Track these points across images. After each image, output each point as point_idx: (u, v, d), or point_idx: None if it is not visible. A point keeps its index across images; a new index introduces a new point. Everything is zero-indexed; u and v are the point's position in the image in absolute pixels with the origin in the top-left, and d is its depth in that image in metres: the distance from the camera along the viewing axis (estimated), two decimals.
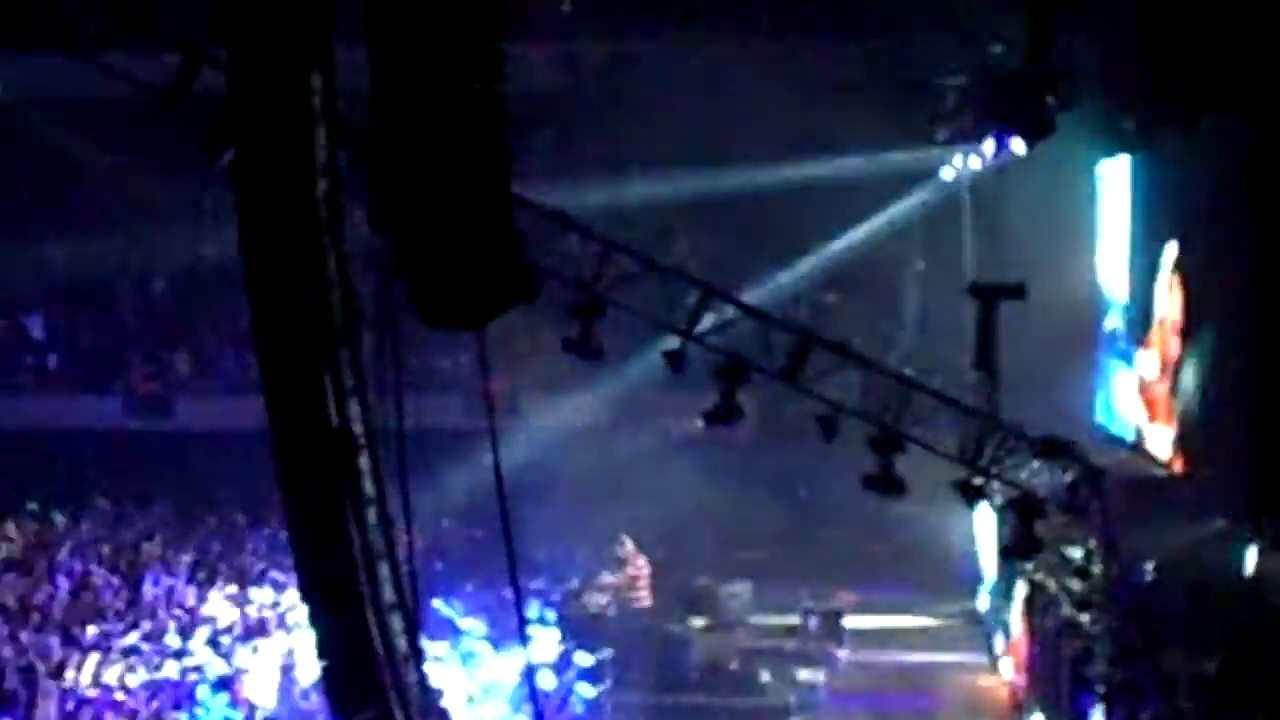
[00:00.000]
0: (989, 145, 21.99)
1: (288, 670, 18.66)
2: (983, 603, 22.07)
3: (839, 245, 24.93)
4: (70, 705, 17.28)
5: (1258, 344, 16.46)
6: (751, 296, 21.12)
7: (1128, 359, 22.70)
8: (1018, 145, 20.90)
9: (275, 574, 21.63)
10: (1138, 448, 21.58)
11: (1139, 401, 21.80)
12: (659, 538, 22.01)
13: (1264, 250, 16.54)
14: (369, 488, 14.19)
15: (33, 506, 24.04)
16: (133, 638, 19.29)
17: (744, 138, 24.24)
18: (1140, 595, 16.48)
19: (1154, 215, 20.95)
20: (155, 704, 17.54)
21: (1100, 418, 23.40)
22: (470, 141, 10.77)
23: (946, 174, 24.84)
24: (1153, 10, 17.07)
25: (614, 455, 24.26)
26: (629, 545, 21.77)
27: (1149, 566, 16.48)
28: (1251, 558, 16.22)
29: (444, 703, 16.90)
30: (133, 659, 18.63)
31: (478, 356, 13.12)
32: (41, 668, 17.79)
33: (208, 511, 24.54)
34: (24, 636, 19.24)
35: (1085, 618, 16.54)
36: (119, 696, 17.59)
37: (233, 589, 21.45)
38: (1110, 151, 22.07)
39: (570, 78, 24.97)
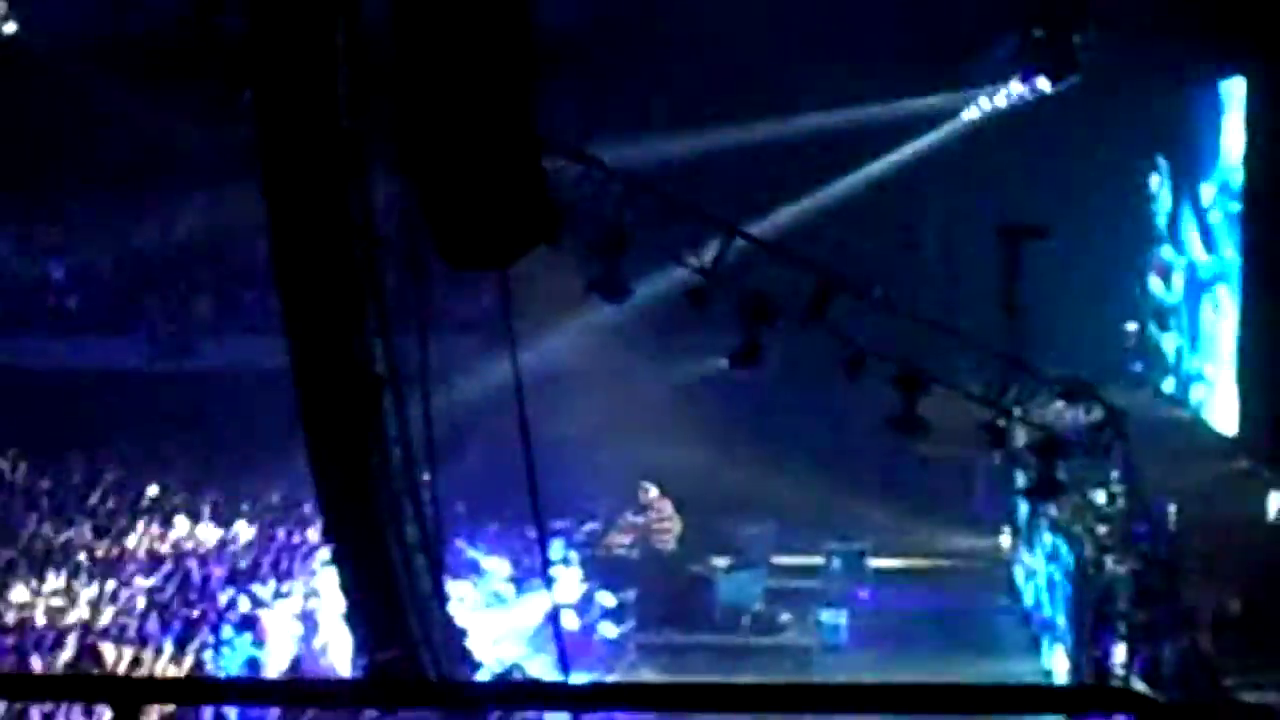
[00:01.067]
0: (1015, 85, 21.88)
1: (308, 613, 18.82)
2: (1005, 542, 22.13)
3: (859, 178, 24.83)
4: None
5: None
6: (771, 231, 21.16)
7: (1152, 300, 22.78)
8: (1043, 84, 20.83)
9: (299, 512, 21.79)
10: (1166, 394, 21.67)
11: (1172, 346, 21.83)
12: (682, 478, 22.04)
13: None
14: (392, 427, 14.31)
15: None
16: (152, 580, 19.52)
17: (767, 82, 24.14)
18: (1161, 536, 16.53)
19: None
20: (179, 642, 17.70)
21: (1130, 361, 23.43)
22: (495, 80, 10.79)
23: (969, 114, 24.72)
24: None
25: (637, 396, 24.29)
26: (653, 490, 21.84)
27: (1170, 508, 16.51)
28: (1274, 501, 16.28)
29: (468, 642, 17.06)
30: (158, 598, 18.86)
31: (500, 297, 13.16)
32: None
33: (230, 450, 24.64)
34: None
35: (1108, 559, 16.60)
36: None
37: (253, 529, 21.65)
38: (1140, 91, 21.92)
39: (596, 16, 24.87)
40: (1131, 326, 23.89)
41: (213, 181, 26.02)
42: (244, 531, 21.57)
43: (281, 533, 21.42)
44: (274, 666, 17.69)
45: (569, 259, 16.59)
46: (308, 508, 21.15)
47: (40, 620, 18.09)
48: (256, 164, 13.47)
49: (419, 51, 10.95)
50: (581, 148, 16.05)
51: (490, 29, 10.71)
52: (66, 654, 17.08)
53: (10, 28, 23.43)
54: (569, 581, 19.90)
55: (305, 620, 18.65)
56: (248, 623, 18.24)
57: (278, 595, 19.11)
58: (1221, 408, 19.61)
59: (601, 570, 20.68)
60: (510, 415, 13.92)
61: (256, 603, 18.69)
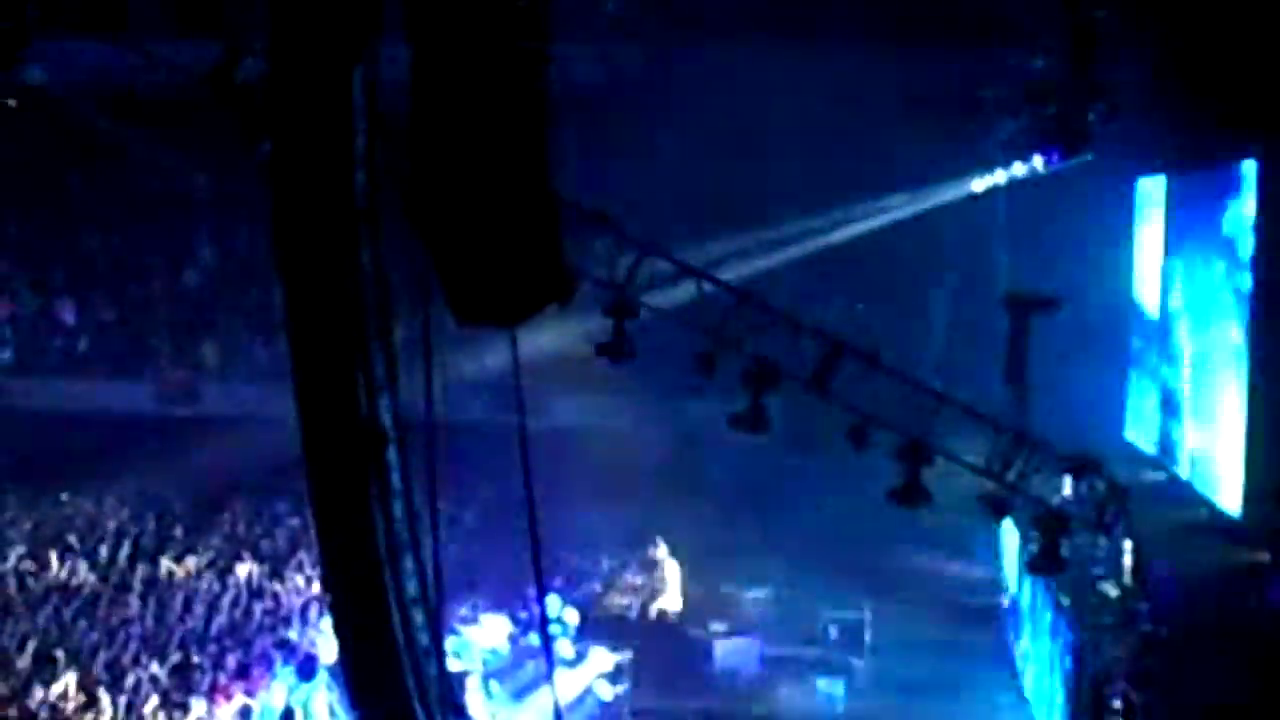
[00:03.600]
0: (1036, 160, 21.99)
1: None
2: (1004, 617, 22.05)
3: (865, 238, 24.90)
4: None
5: None
6: (777, 292, 21.16)
7: (1154, 372, 22.75)
8: (1050, 161, 20.95)
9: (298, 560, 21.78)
10: (1165, 467, 21.60)
11: (1174, 420, 21.81)
12: (682, 541, 22.02)
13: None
14: (396, 481, 14.28)
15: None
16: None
17: (776, 147, 24.28)
18: (1162, 618, 16.46)
19: (1180, 229, 21.00)
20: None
21: (1129, 432, 23.40)
22: (511, 138, 10.82)
23: (976, 186, 24.82)
24: (1193, 35, 17.11)
25: (640, 457, 24.31)
26: (662, 548, 21.79)
27: (1169, 579, 16.48)
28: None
29: (463, 698, 16.98)
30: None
31: (510, 355, 13.16)
32: None
33: (234, 497, 24.65)
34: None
35: (1107, 638, 16.52)
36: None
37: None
38: (1147, 171, 22.09)
39: (608, 77, 25.03)
40: (1138, 402, 23.89)
41: (223, 227, 26.15)
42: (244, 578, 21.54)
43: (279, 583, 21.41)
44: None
45: (576, 319, 16.61)
46: (304, 557, 21.18)
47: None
48: (267, 211, 13.51)
49: (434, 104, 11.00)
50: (594, 208, 16.10)
51: (506, 84, 10.76)
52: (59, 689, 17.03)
53: (38, 76, 23.59)
54: (566, 643, 19.84)
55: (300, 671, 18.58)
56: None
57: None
58: (1227, 488, 19.57)
59: (599, 631, 20.61)
60: (511, 471, 13.92)
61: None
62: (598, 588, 21.95)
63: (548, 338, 18.05)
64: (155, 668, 17.80)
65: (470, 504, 20.51)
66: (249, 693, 17.72)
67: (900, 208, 24.85)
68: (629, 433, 24.57)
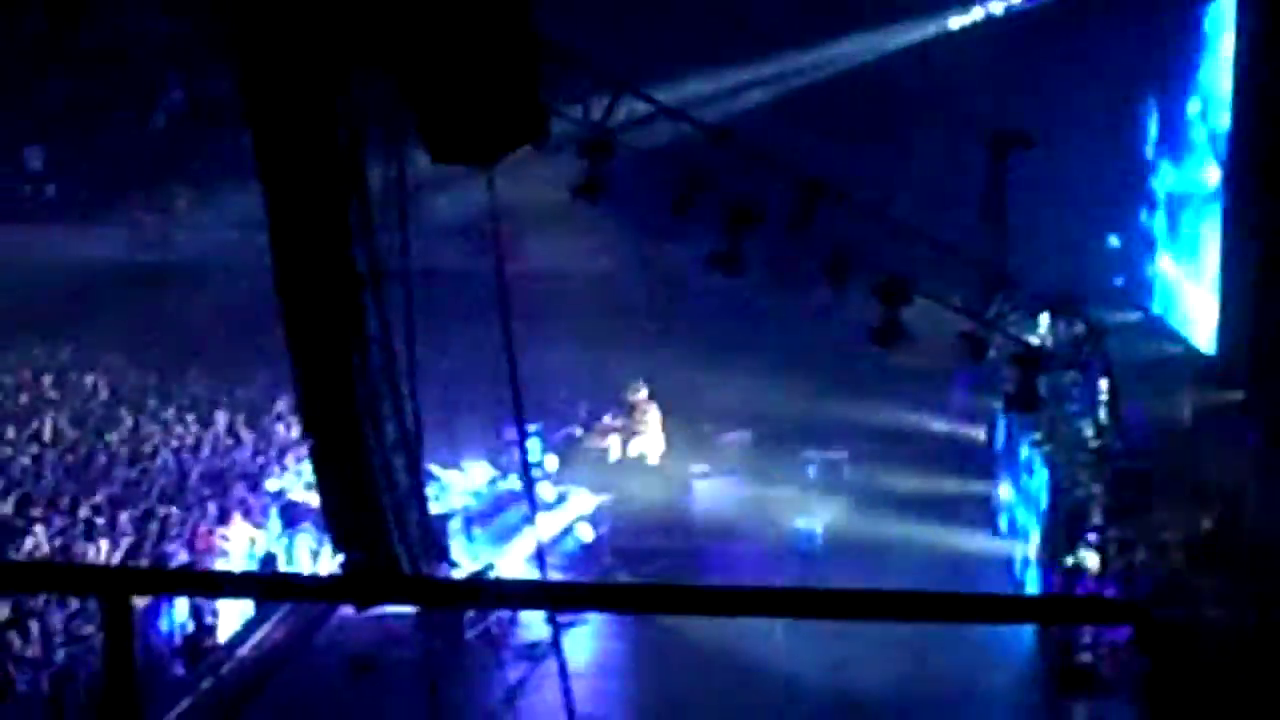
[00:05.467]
0: None
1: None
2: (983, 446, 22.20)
3: (846, 49, 24.67)
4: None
5: None
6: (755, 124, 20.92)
7: (1135, 215, 22.81)
8: None
9: (277, 408, 21.88)
10: (1142, 306, 21.74)
11: (1166, 266, 21.85)
12: (661, 384, 22.11)
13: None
14: (373, 325, 14.34)
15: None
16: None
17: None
18: (1137, 453, 16.66)
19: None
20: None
21: (1108, 274, 23.50)
22: None
23: (955, 22, 24.57)
24: None
25: (618, 300, 24.33)
26: (642, 390, 21.83)
27: (1143, 417, 16.67)
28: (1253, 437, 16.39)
29: (444, 541, 17.20)
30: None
31: (487, 197, 13.14)
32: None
33: (210, 344, 24.65)
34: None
35: (1084, 474, 16.72)
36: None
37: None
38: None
39: None
40: (1115, 243, 23.94)
41: (192, 69, 25.83)
42: (223, 426, 21.64)
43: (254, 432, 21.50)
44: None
45: (553, 161, 16.55)
46: (284, 404, 21.27)
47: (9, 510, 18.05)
48: (233, 52, 13.38)
49: None
50: (569, 46, 15.94)
51: None
52: (38, 548, 17.13)
53: None
54: (547, 486, 20.04)
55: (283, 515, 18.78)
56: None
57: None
58: (1202, 326, 19.71)
59: (579, 473, 20.80)
60: (490, 316, 13.98)
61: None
62: (577, 431, 22.09)
63: (524, 179, 17.98)
64: (135, 515, 17.93)
65: (448, 349, 20.55)
66: (230, 538, 17.90)
67: (879, 43, 24.63)
68: (607, 275, 24.55)
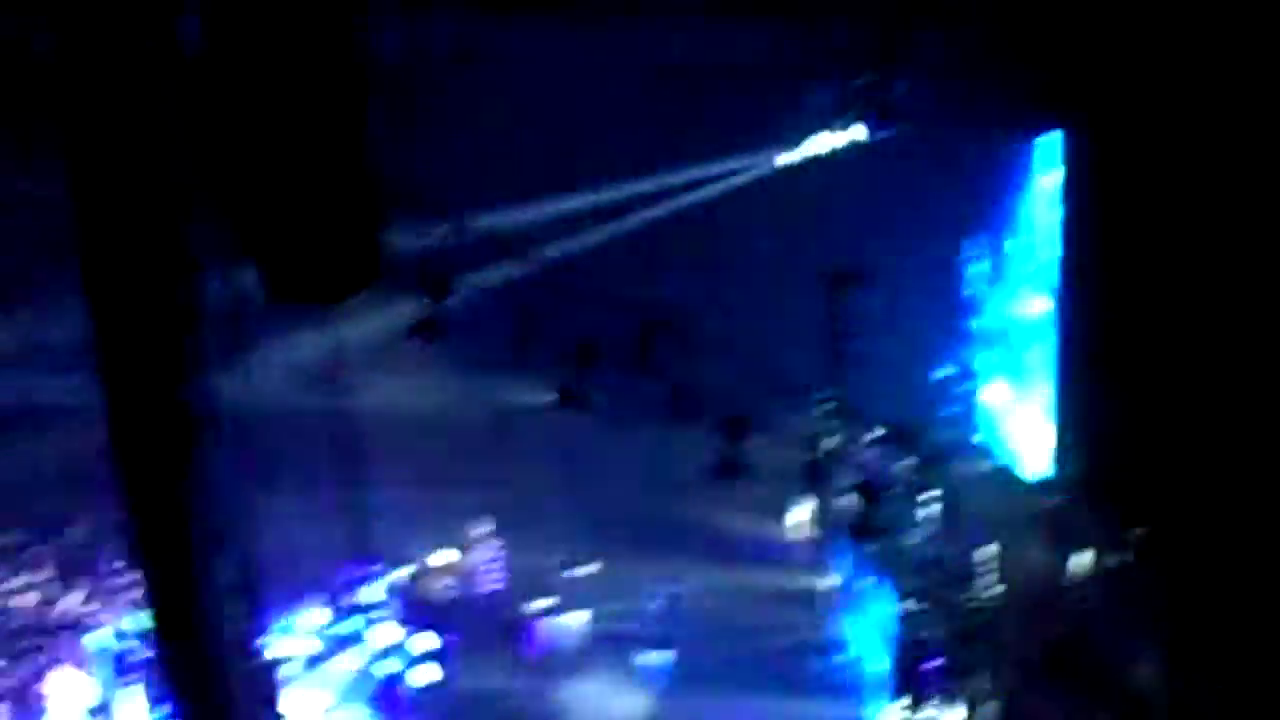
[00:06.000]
0: (856, 130, 22.21)
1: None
2: (824, 583, 22.34)
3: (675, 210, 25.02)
4: None
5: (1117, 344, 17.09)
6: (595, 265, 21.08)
7: (968, 342, 23.25)
8: (867, 131, 21.22)
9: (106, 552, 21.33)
10: (990, 441, 22.10)
11: (999, 394, 22.31)
12: (504, 520, 22.01)
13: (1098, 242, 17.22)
14: (209, 467, 14.04)
15: None
16: None
17: (588, 119, 24.24)
18: (977, 578, 16.87)
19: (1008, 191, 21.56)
20: None
21: (943, 401, 23.89)
22: (329, 111, 10.67)
23: (790, 157, 25.04)
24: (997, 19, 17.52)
25: (458, 437, 24.18)
26: (481, 527, 21.73)
27: (988, 550, 16.88)
28: (1089, 558, 16.71)
29: (279, 694, 16.77)
30: None
31: (325, 337, 13.06)
32: None
33: (33, 491, 24.01)
34: None
35: (925, 601, 16.88)
36: None
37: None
38: (959, 140, 22.47)
39: (419, 55, 24.73)
40: (949, 372, 24.34)
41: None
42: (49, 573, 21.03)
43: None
44: None
45: (391, 298, 16.51)
46: (113, 549, 20.73)
47: None
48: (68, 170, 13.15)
49: (245, 74, 10.78)
50: (408, 186, 15.95)
51: (321, 51, 10.59)
52: None
53: None
54: (386, 626, 19.72)
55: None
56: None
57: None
58: (1038, 451, 20.08)
59: (419, 613, 20.50)
60: (327, 455, 13.81)
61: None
62: (417, 570, 21.83)
63: (359, 317, 17.89)
64: None
65: (284, 489, 20.21)
66: (58, 689, 17.33)
67: (716, 178, 25.00)
68: (444, 412, 24.40)
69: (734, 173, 24.84)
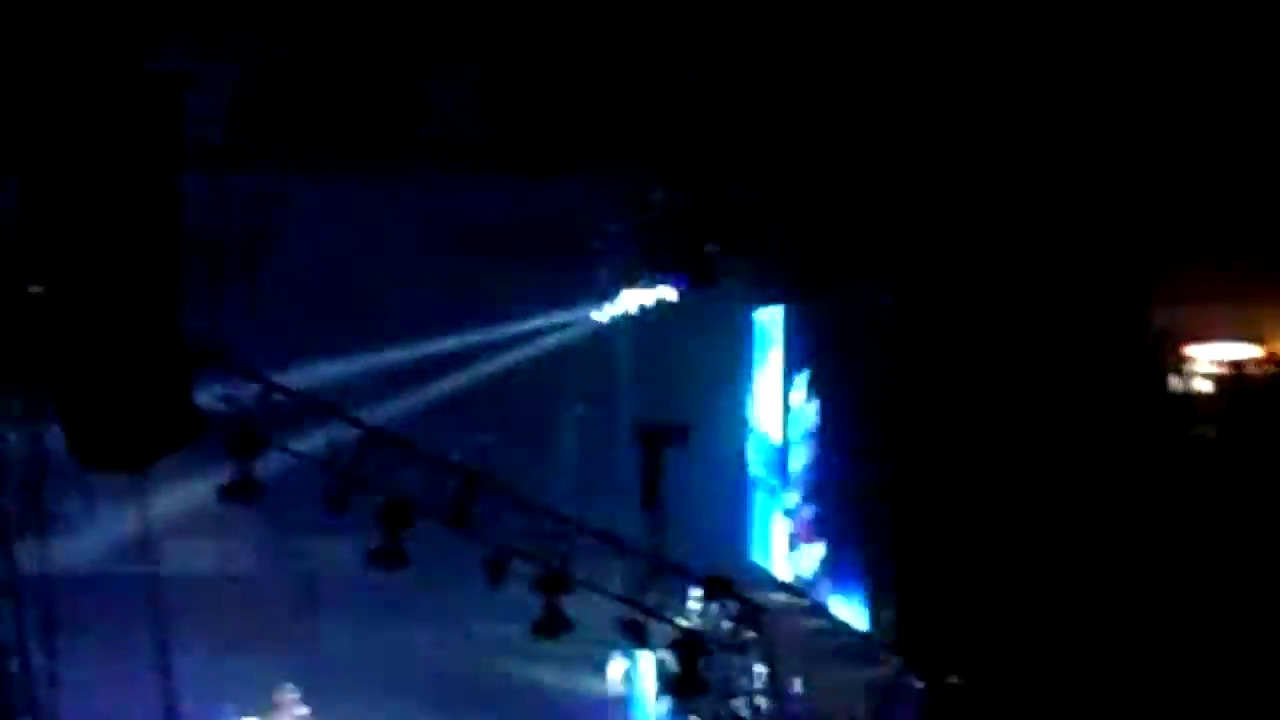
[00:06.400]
0: (658, 290, 22.52)
1: None
2: None
3: (489, 369, 25.06)
4: None
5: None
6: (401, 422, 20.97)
7: (776, 497, 23.49)
8: (673, 291, 21.60)
9: None
10: (791, 587, 22.27)
11: (787, 535, 22.59)
12: (312, 685, 21.54)
13: (898, 405, 17.62)
14: (9, 634, 13.64)
15: None
16: None
17: (392, 284, 24.30)
18: None
19: (795, 355, 22.08)
20: None
21: (756, 556, 24.04)
22: (139, 278, 10.60)
23: (598, 316, 25.30)
24: (806, 181, 17.98)
25: (266, 601, 23.72)
26: (289, 693, 21.21)
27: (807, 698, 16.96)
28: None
29: None
30: None
31: (132, 502, 12.80)
32: None
33: None
34: None
35: None
36: None
37: None
38: (765, 301, 22.98)
39: (221, 215, 24.56)
40: (767, 523, 24.50)
41: None
42: None
43: None
44: None
45: (202, 460, 16.22)
46: None
47: None
48: None
49: (54, 241, 10.66)
50: (218, 350, 15.85)
51: (135, 225, 10.53)
52: None
53: None
54: None
55: None
56: None
57: None
58: (853, 604, 20.27)
59: None
60: (131, 621, 13.51)
61: None
62: None
63: (171, 480, 17.54)
64: None
65: (88, 657, 19.60)
66: None
67: (518, 339, 25.19)
68: (250, 575, 23.97)
69: (549, 329, 25.04)
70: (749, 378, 24.41)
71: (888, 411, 18.22)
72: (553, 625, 16.36)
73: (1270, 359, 16.50)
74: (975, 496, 16.59)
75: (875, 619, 19.18)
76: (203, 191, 24.08)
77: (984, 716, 16.05)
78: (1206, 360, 16.60)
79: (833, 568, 21.20)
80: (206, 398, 15.10)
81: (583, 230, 23.55)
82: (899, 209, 16.52)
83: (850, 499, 20.36)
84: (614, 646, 17.55)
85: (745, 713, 17.46)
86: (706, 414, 22.62)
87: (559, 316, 25.23)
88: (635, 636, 16.78)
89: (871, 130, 16.28)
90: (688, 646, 16.50)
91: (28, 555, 13.47)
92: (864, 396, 19.38)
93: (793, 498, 22.78)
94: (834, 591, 21.03)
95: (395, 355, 24.62)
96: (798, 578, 22.59)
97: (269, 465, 16.76)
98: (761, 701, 17.14)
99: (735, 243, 19.05)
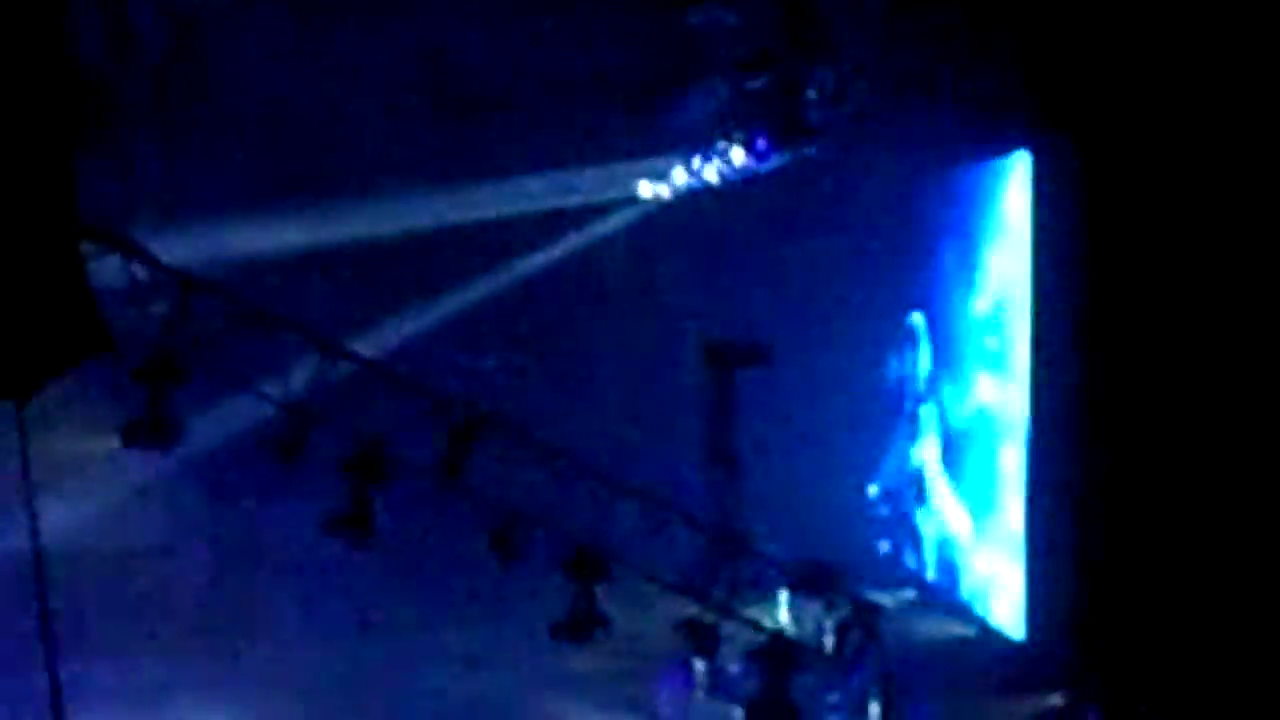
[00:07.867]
0: (735, 153, 22.35)
1: None
2: None
3: (500, 284, 25.12)
4: None
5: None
6: (375, 351, 21.19)
7: (902, 452, 23.58)
8: (762, 152, 21.42)
9: None
10: (928, 583, 22.34)
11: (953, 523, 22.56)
12: (240, 701, 21.97)
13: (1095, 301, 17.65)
14: None
15: None
16: None
17: (360, 143, 24.36)
18: None
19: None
20: None
21: (878, 538, 24.13)
22: (16, 133, 10.79)
23: (645, 190, 25.25)
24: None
25: (181, 586, 24.05)
26: (215, 714, 21.69)
27: None
28: None
29: None
30: None
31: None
32: None
33: None
34: None
35: None
36: None
37: None
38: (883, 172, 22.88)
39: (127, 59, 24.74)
40: (874, 492, 24.51)
41: None
42: None
43: None
44: None
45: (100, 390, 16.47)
46: None
47: None
48: None
49: None
50: (122, 233, 15.99)
51: (10, 65, 10.73)
52: None
53: None
54: None
55: None
56: None
57: None
58: (1003, 602, 20.27)
59: None
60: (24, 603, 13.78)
61: None
62: None
63: (59, 420, 17.78)
64: None
65: None
66: None
67: (549, 220, 25.14)
68: (168, 553, 24.28)
69: (578, 213, 24.96)
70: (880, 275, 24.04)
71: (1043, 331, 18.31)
72: (582, 623, 16.50)
73: None
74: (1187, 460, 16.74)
75: (1034, 626, 19.26)
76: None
77: None
78: None
79: (981, 547, 21.27)
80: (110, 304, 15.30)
81: (642, 75, 23.47)
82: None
83: (1002, 452, 20.45)
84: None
85: None
86: (797, 328, 22.57)
87: (601, 192, 25.16)
88: (701, 642, 16.91)
89: None
90: (773, 657, 16.63)
91: None
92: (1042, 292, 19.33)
93: (917, 448, 22.91)
94: (976, 584, 21.12)
95: (362, 244, 24.70)
96: (929, 556, 22.69)
97: (191, 398, 16.92)
98: None
99: (846, 89, 19.01)
